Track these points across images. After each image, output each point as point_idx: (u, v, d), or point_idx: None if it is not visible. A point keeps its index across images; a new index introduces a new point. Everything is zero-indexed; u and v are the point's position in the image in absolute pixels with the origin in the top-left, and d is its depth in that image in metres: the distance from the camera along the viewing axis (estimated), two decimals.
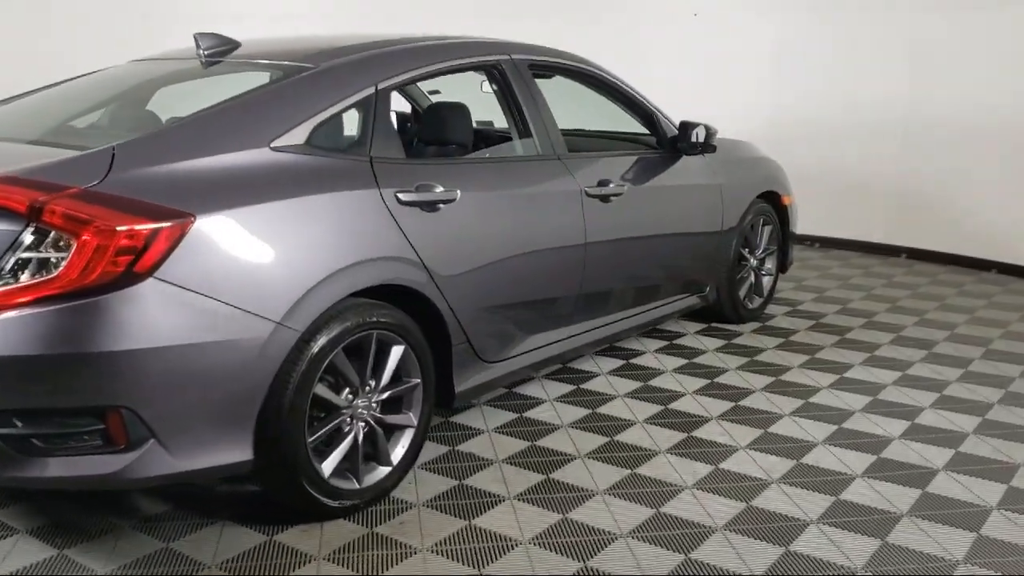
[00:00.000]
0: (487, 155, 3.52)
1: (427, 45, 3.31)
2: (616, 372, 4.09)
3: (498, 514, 2.81)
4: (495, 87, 3.57)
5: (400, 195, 2.85)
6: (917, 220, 6.62)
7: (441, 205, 2.99)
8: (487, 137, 3.92)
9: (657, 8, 7.36)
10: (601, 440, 3.33)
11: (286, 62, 3.00)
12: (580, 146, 4.50)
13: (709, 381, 4.00)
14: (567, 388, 3.86)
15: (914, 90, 6.48)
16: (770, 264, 5.07)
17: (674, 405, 3.72)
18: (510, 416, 3.56)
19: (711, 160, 4.45)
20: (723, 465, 3.15)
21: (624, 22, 7.42)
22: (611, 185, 3.73)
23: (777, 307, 5.27)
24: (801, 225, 7.07)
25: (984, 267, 6.31)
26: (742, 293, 4.83)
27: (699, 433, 3.43)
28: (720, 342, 4.58)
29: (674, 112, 4.39)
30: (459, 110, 3.52)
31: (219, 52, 3.21)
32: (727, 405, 3.73)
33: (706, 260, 4.47)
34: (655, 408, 3.67)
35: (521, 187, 3.36)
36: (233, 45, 3.27)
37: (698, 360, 4.29)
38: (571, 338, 3.72)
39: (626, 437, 3.37)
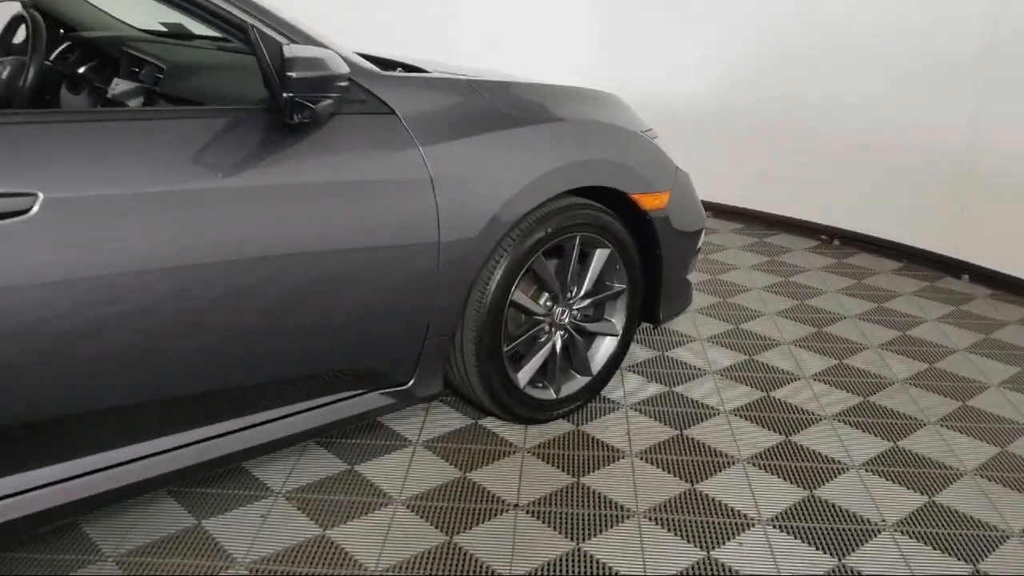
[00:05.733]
0: None
1: None
2: None
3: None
4: None
5: None
6: (991, 223, 3.98)
7: None
8: None
9: None
10: None
11: None
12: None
13: None
14: None
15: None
16: (616, 317, 2.78)
17: None
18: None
19: (417, 129, 2.20)
20: None
21: None
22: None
23: (646, 384, 2.97)
24: (819, 213, 4.60)
25: None
26: (525, 375, 2.59)
27: None
28: (448, 476, 2.40)
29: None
30: None
31: None
32: None
33: (392, 328, 2.27)
34: None
35: None
36: None
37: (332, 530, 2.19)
38: None
39: None
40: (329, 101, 1.94)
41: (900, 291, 3.94)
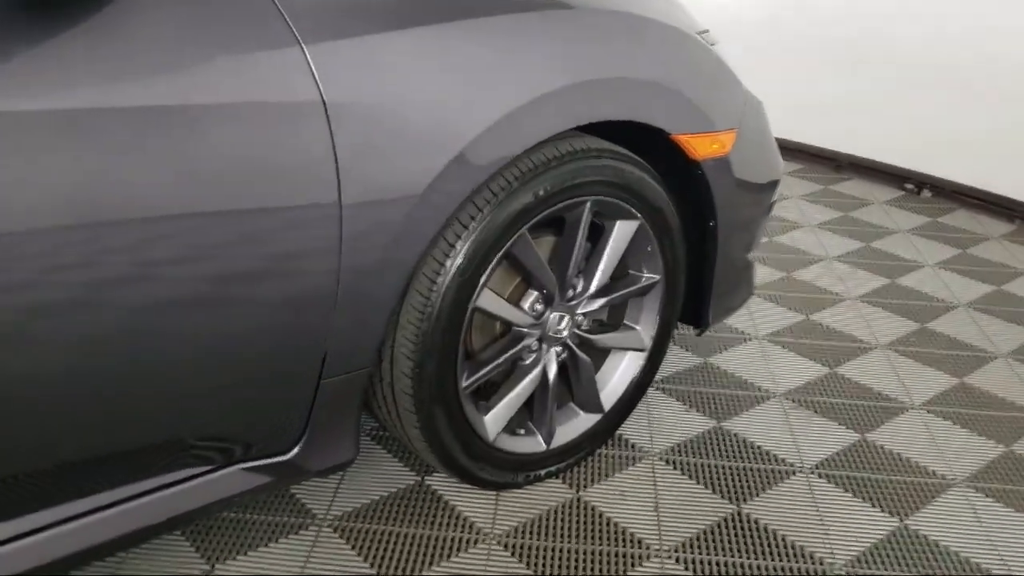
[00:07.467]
0: None
1: None
2: None
3: None
4: None
5: None
6: None
7: None
8: None
9: None
10: None
11: None
12: None
13: None
14: None
15: None
16: (644, 323, 1.81)
17: None
18: None
19: (300, 13, 1.19)
20: None
21: None
22: None
23: (682, 415, 2.02)
24: (903, 154, 3.51)
25: None
26: (496, 421, 1.63)
27: None
28: None
29: None
30: None
31: None
32: None
33: (250, 364, 1.29)
34: None
35: None
36: None
37: None
38: None
39: None
40: None
41: (1021, 267, 2.95)
